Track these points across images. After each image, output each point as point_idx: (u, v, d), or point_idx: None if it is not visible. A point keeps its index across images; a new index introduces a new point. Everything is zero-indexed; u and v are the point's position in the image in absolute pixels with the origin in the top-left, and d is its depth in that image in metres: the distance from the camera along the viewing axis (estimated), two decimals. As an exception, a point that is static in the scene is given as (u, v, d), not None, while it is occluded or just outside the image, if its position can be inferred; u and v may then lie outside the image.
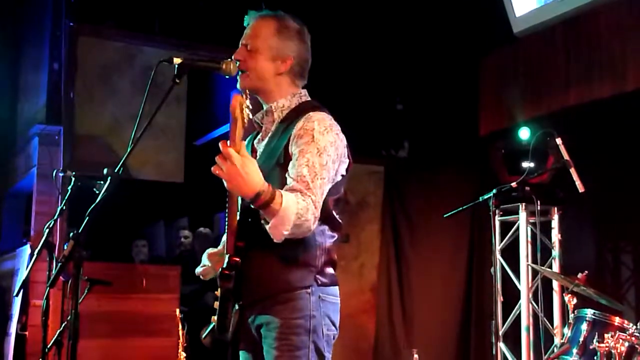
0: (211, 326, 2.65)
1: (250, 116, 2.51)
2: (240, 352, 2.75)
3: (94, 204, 2.40)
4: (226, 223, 2.60)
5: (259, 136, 2.79)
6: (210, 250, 2.90)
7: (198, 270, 2.88)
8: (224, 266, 2.55)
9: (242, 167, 2.32)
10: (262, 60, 2.68)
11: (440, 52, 7.06)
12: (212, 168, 2.37)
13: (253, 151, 2.77)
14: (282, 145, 2.60)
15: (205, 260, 2.87)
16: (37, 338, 5.41)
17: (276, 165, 2.59)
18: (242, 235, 2.55)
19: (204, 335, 2.70)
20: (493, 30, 6.50)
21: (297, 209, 2.38)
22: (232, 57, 2.69)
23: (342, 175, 2.67)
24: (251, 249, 2.55)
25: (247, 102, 2.45)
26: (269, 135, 2.72)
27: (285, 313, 2.56)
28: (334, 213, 2.67)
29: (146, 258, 7.78)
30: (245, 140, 2.81)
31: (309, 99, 2.77)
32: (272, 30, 2.70)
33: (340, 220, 2.70)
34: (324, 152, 2.53)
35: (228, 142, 2.36)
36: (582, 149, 5.27)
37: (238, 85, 2.73)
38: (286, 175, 2.53)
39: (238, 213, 2.59)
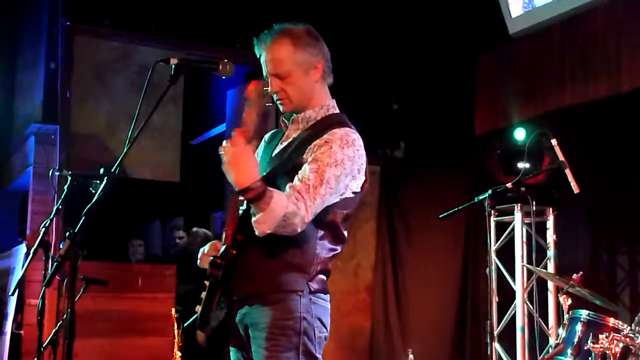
0: (194, 317, 2.66)
1: (268, 105, 2.57)
2: (231, 349, 2.75)
3: (91, 204, 2.40)
4: (227, 214, 2.62)
5: (282, 138, 2.80)
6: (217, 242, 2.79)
7: (199, 254, 2.80)
8: (218, 255, 2.56)
9: (242, 157, 2.39)
10: (298, 80, 2.68)
11: (436, 51, 7.07)
12: (220, 146, 2.43)
13: (273, 149, 2.78)
14: (300, 156, 2.61)
15: (206, 247, 2.79)
16: (32, 337, 5.40)
17: (288, 173, 2.59)
18: (243, 228, 2.56)
19: (185, 325, 2.70)
20: (489, 30, 6.50)
21: (284, 211, 2.41)
22: (269, 91, 2.68)
23: (355, 193, 2.67)
24: (249, 244, 2.55)
25: (268, 89, 2.51)
26: (289, 141, 2.73)
27: (275, 314, 2.56)
28: (341, 227, 2.68)
29: (143, 258, 7.77)
30: (268, 133, 2.84)
31: (337, 111, 2.77)
32: (289, 47, 2.66)
33: (345, 235, 2.71)
34: (340, 164, 2.54)
35: (243, 125, 2.42)
36: (578, 150, 5.29)
37: (282, 110, 2.74)
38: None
39: (242, 207, 2.59)
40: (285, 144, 2.74)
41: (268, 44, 2.69)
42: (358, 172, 2.65)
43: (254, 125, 2.45)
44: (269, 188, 2.42)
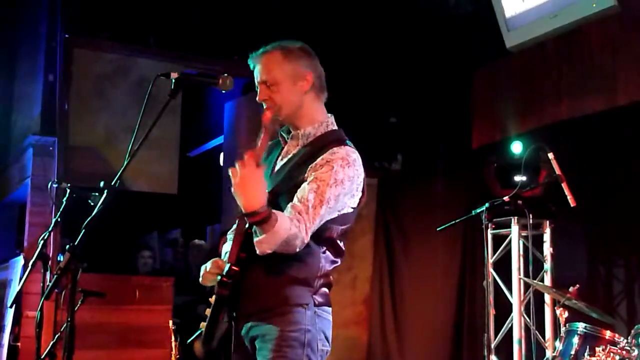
0: (198, 332, 2.67)
1: (278, 129, 2.71)
2: None
3: (91, 216, 2.41)
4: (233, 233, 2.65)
5: (281, 153, 2.84)
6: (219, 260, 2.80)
7: (202, 272, 2.79)
8: (224, 273, 2.57)
9: (251, 180, 2.42)
10: (285, 88, 2.74)
11: (434, 65, 7.09)
12: (231, 168, 2.46)
13: (273, 165, 2.82)
14: (301, 175, 2.65)
15: (208, 265, 2.77)
16: (29, 349, 5.41)
17: (291, 191, 2.63)
18: (246, 246, 2.58)
19: (189, 341, 2.71)
20: (486, 44, 6.53)
21: (287, 235, 2.47)
22: (257, 99, 2.77)
23: (353, 208, 2.73)
24: (253, 261, 2.58)
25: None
26: (289, 157, 2.77)
27: (281, 325, 2.60)
28: (338, 242, 2.73)
29: (151, 269, 7.76)
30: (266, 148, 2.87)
31: (335, 127, 2.82)
32: (280, 58, 2.75)
33: (343, 248, 2.76)
34: (340, 184, 2.60)
35: (255, 149, 2.45)
36: (574, 163, 5.30)
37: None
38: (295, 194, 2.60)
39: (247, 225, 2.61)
40: (285, 159, 2.78)
41: (260, 55, 2.79)
42: (357, 190, 2.71)
43: (265, 148, 2.50)
44: (274, 211, 2.46)
